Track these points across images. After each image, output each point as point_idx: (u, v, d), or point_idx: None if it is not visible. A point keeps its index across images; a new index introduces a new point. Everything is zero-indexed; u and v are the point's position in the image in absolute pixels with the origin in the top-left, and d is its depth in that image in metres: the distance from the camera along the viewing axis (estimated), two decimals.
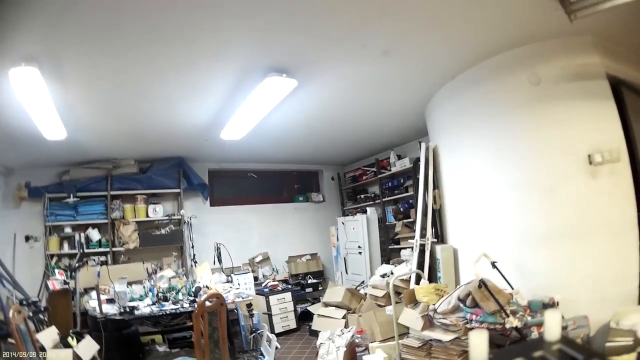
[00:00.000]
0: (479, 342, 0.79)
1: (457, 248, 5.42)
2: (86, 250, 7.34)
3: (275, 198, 9.88)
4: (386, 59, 4.41)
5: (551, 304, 3.70)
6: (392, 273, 6.30)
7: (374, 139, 8.06)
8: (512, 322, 3.40)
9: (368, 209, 8.49)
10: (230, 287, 6.33)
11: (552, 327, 0.83)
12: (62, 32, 3.37)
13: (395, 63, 4.58)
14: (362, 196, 9.43)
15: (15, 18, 3.05)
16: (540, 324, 3.43)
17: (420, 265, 5.65)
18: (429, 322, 4.06)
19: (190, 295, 5.79)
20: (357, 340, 5.16)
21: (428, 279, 5.33)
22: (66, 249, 7.45)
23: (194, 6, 3.09)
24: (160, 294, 5.80)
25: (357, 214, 8.65)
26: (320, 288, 8.48)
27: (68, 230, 7.56)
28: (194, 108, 5.52)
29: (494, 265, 4.14)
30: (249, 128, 6.20)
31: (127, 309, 5.24)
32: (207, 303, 3.94)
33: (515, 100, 4.52)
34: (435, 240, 5.73)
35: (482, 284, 3.61)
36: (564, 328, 3.49)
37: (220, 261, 7.43)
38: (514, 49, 4.39)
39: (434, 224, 5.82)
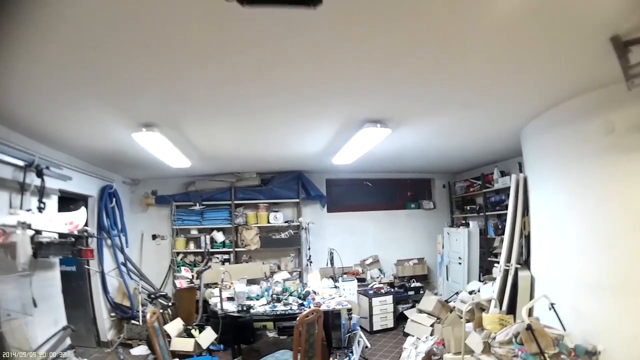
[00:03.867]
0: None
1: (535, 277, 5.55)
2: (210, 250, 8.50)
3: (389, 205, 10.31)
4: (466, 110, 4.85)
5: (593, 352, 3.92)
6: (479, 291, 6.62)
7: (478, 156, 8.16)
8: None
9: (471, 222, 8.67)
10: (336, 293, 6.93)
11: None
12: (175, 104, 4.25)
13: (475, 114, 5.03)
14: (469, 207, 9.63)
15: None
16: None
17: (502, 290, 5.83)
18: (488, 348, 4.52)
19: (300, 298, 6.52)
20: (435, 350, 5.53)
21: (510, 303, 5.59)
22: (192, 247, 8.70)
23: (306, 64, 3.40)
24: (274, 295, 6.60)
25: (461, 226, 8.86)
26: (421, 292, 8.76)
27: (194, 232, 8.77)
28: (306, 144, 6.37)
29: (552, 306, 4.45)
30: (357, 156, 6.87)
31: (244, 307, 6.07)
32: (308, 316, 4.47)
33: (587, 148, 4.41)
34: (520, 265, 5.83)
35: (529, 327, 4.01)
36: None
37: (332, 264, 8.04)
38: (589, 93, 4.27)
39: (520, 249, 5.93)
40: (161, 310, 6.13)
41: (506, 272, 5.86)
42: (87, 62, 3.07)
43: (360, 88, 3.95)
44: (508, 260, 5.93)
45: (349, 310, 6.81)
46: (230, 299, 6.50)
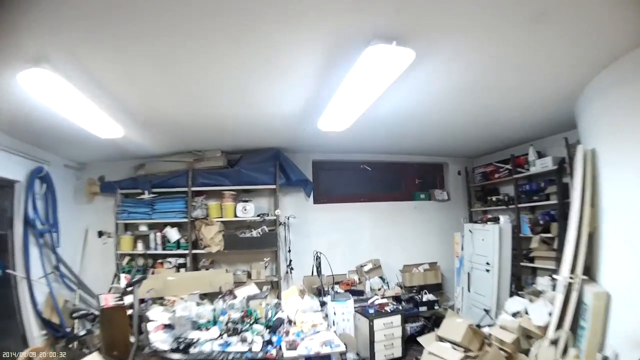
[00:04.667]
0: None
1: (611, 294, 3.91)
2: (162, 252, 6.90)
3: (392, 195, 8.48)
4: (538, 26, 3.13)
5: None
6: (526, 312, 4.81)
7: (510, 130, 6.47)
8: None
9: (501, 217, 6.85)
10: (323, 322, 4.83)
11: None
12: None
13: (546, 35, 3.30)
14: (494, 198, 7.79)
15: None
16: None
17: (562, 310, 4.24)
18: None
19: (269, 328, 4.59)
20: None
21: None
22: (140, 248, 6.89)
23: None
24: (229, 324, 4.60)
25: (488, 222, 7.03)
26: (436, 307, 7.06)
27: (143, 228, 7.01)
28: (281, 93, 4.42)
29: None
30: (353, 118, 4.92)
31: (183, 343, 4.17)
32: None
33: None
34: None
35: None
36: None
37: (319, 272, 6.22)
38: None
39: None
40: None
41: (567, 286, 4.28)
42: None
43: None
44: (573, 269, 4.28)
45: (343, 354, 4.65)
46: (169, 326, 4.57)
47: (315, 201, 7.86)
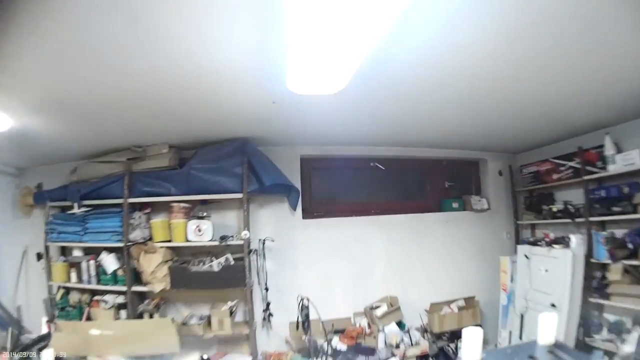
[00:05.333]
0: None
1: None
2: (97, 286, 5.09)
3: (414, 204, 6.40)
4: None
5: None
6: None
7: (577, 112, 4.53)
8: None
9: (572, 237, 4.87)
10: None
11: (546, 331, 0.60)
12: None
13: None
14: (553, 208, 5.73)
15: None
16: None
17: None
18: None
19: None
20: None
21: None
22: (74, 279, 5.15)
23: None
24: None
25: (554, 245, 5.01)
26: None
27: (77, 253, 5.26)
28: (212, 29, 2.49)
29: None
30: (348, 69, 2.82)
31: None
32: None
33: None
34: None
35: None
36: None
37: (306, 328, 4.21)
38: None
39: None
40: None
41: None
42: None
43: None
44: None
45: None
46: None
47: (305, 215, 5.77)
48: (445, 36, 2.59)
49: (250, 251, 4.91)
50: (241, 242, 4.84)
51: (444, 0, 2.16)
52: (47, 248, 5.14)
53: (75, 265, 5.15)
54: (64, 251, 5.31)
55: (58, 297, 5.14)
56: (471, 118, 4.62)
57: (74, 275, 5.11)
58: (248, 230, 4.87)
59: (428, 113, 4.40)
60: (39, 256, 5.36)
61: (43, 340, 3.50)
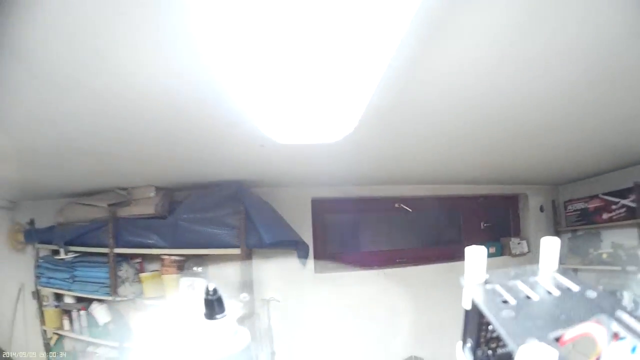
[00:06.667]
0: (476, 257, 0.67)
1: None
2: (88, 338, 4.63)
3: (446, 251, 5.54)
4: None
5: None
6: None
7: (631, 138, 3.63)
8: None
9: (626, 295, 4.23)
10: None
11: (549, 257, 0.73)
12: None
13: None
14: (602, 254, 4.96)
15: None
16: None
17: None
18: None
19: None
20: None
21: None
22: (67, 327, 4.77)
23: None
24: None
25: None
26: None
27: (69, 300, 4.80)
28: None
29: None
30: (355, 111, 2.17)
31: None
32: None
33: None
34: None
35: None
36: None
37: None
38: None
39: None
40: None
41: None
42: None
43: None
44: None
45: None
46: None
47: (318, 268, 4.99)
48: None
49: (247, 314, 4.27)
50: (243, 300, 4.09)
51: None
52: (38, 292, 4.78)
53: (67, 312, 4.77)
54: (57, 295, 4.86)
55: (52, 342, 4.81)
56: (511, 146, 3.80)
57: (66, 323, 4.74)
58: (249, 290, 4.26)
59: (466, 151, 3.69)
60: (34, 295, 4.95)
61: None
